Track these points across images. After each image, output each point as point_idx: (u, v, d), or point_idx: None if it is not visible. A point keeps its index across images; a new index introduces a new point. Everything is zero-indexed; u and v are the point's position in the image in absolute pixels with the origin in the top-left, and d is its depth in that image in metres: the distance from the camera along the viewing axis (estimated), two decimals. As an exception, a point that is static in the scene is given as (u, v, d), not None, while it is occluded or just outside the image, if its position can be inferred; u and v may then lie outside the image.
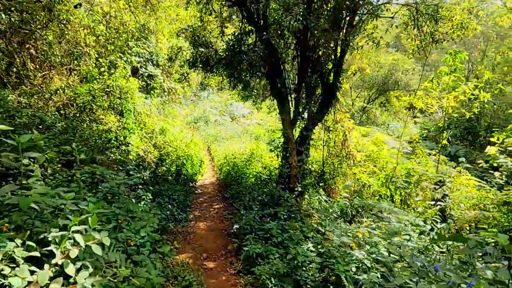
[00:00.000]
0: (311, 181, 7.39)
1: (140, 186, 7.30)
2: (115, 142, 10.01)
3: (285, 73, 8.13)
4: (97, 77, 12.14)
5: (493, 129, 15.40)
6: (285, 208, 6.15)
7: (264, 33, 6.66)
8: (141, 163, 9.63)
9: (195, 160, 11.41)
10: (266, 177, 8.16)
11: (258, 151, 11.94)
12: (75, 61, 11.53)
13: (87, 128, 9.39)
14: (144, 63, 14.99)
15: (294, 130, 7.80)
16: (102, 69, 12.34)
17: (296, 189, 7.23)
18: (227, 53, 9.19)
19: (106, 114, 10.72)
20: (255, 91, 11.26)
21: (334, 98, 7.43)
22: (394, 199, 7.87)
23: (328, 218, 6.54)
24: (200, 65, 9.58)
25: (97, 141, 8.23)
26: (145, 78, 14.72)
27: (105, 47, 13.22)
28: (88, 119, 10.52)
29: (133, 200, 5.88)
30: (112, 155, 9.08)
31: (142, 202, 6.32)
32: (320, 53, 7.28)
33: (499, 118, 16.02)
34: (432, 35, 7.39)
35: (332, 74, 7.46)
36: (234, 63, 10.19)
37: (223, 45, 10.06)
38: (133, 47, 14.50)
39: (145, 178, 7.49)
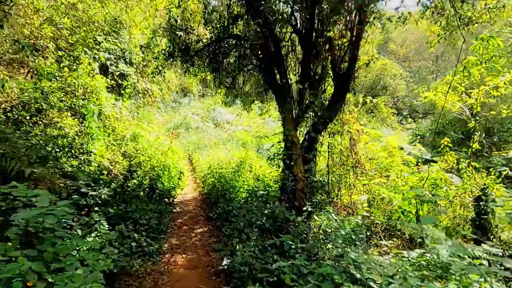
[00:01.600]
0: (324, 198, 5.79)
1: (97, 208, 5.46)
2: (72, 151, 8.09)
3: (286, 60, 6.54)
4: (56, 74, 10.20)
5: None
6: (295, 236, 4.48)
7: (262, 1, 5.05)
8: (101, 177, 7.72)
9: (174, 172, 9.57)
10: (263, 192, 6.47)
11: (248, 159, 10.23)
12: (26, 53, 9.57)
13: (33, 133, 7.49)
14: (115, 60, 13.09)
15: (297, 132, 6.18)
16: (62, 65, 10.41)
17: (304, 208, 5.58)
18: (211, 40, 7.54)
19: (62, 117, 8.76)
20: (242, 90, 9.62)
21: (349, 91, 5.89)
22: (420, 217, 6.38)
23: (349, 245, 4.90)
24: (179, 55, 7.85)
25: (41, 150, 6.31)
26: (115, 78, 12.81)
27: (66, 40, 11.31)
28: (41, 122, 8.59)
29: (79, 232, 4.06)
30: (67, 166, 7.18)
31: (94, 234, 4.48)
32: (331, 33, 5.75)
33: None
34: (465, 17, 6.02)
35: (345, 61, 5.94)
36: (219, 55, 8.59)
37: (206, 34, 8.42)
38: (102, 42, 12.61)
39: (103, 197, 5.63)
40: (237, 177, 8.39)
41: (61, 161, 7.46)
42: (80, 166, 7.62)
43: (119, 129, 10.39)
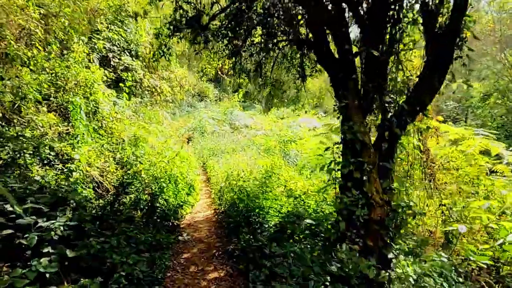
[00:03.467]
0: (425, 238, 3.52)
1: (48, 250, 3.39)
2: (50, 157, 6.20)
3: (349, 19, 4.31)
4: (44, 64, 8.43)
5: None
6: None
7: None
8: (84, 193, 5.71)
9: (182, 184, 7.47)
10: (311, 221, 4.23)
11: (276, 169, 8.05)
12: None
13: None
14: (119, 52, 11.28)
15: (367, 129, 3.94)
16: (52, 55, 8.65)
17: (386, 253, 3.33)
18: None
19: (40, 114, 6.88)
20: (271, 77, 7.42)
21: (452, 58, 3.61)
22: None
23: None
24: (188, 27, 5.81)
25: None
26: (119, 72, 10.99)
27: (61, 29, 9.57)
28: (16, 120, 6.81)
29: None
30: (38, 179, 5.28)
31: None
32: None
33: None
34: None
35: (442, 14, 3.69)
36: (241, 31, 6.54)
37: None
38: (103, 30, 10.83)
39: (57, 231, 3.55)
40: (264, 193, 6.19)
41: (31, 170, 5.54)
42: (57, 177, 5.66)
43: (117, 130, 8.45)
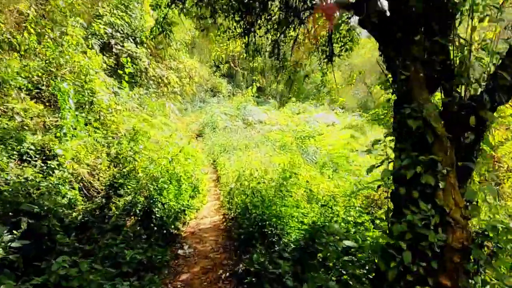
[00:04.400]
0: None
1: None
2: (30, 149, 5.28)
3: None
4: (37, 48, 7.60)
5: None
6: None
7: None
8: (68, 195, 4.76)
9: (185, 184, 6.42)
10: (351, 244, 3.06)
11: (296, 168, 6.92)
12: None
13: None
14: (122, 39, 10.34)
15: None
16: (45, 40, 7.82)
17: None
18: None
19: (23, 103, 5.97)
20: (291, 57, 6.25)
21: None
22: None
23: None
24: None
25: None
26: (121, 60, 10.05)
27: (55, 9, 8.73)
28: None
29: None
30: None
31: None
32: None
33: None
34: None
35: None
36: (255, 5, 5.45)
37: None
38: (105, 15, 9.90)
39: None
40: (282, 198, 5.06)
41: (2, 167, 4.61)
42: (35, 176, 4.71)
43: (115, 123, 7.49)
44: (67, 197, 5.10)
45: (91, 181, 5.79)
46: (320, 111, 22.57)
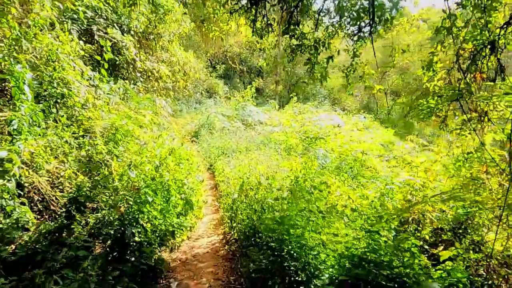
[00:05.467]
0: None
1: None
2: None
3: None
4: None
5: None
6: None
7: None
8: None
9: (176, 196, 5.05)
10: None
11: (311, 172, 5.60)
12: None
13: None
14: (106, 25, 8.99)
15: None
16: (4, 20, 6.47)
17: None
18: None
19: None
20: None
21: None
22: None
23: None
24: None
25: None
26: (105, 48, 8.70)
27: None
28: None
29: None
30: None
31: None
32: None
33: None
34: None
35: None
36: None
37: None
38: (86, -4, 8.54)
39: None
40: (307, 220, 3.72)
41: None
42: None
43: (90, 119, 6.13)
44: (14, 217, 3.76)
45: (51, 194, 4.41)
46: (322, 112, 21.38)
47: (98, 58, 6.55)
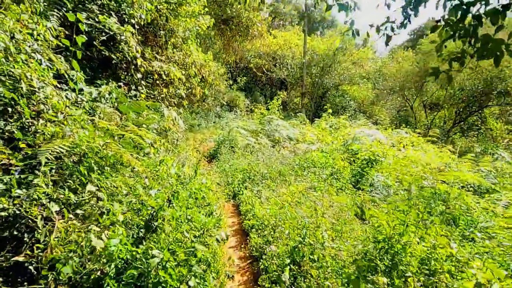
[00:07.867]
0: None
1: None
2: None
3: None
4: None
5: None
6: None
7: None
8: None
9: (172, 278, 2.54)
10: None
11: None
12: None
13: None
14: (99, 12, 6.87)
15: None
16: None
17: None
18: None
19: None
20: None
21: None
22: None
23: None
24: None
25: None
26: (97, 44, 6.54)
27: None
28: None
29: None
30: None
31: None
32: None
33: None
34: None
35: None
36: None
37: None
38: (74, -25, 6.45)
39: None
40: None
41: None
42: None
43: (50, 138, 3.79)
44: None
45: None
46: (360, 127, 18.62)
47: (67, 42, 4.25)
